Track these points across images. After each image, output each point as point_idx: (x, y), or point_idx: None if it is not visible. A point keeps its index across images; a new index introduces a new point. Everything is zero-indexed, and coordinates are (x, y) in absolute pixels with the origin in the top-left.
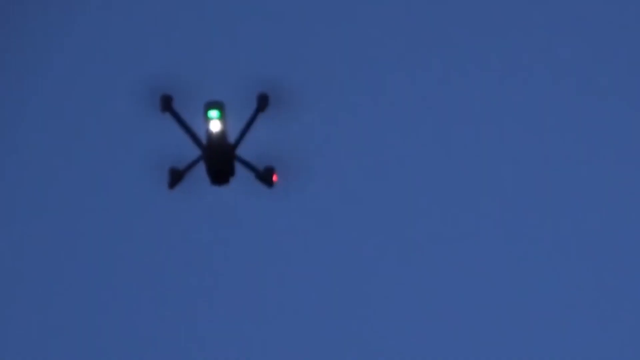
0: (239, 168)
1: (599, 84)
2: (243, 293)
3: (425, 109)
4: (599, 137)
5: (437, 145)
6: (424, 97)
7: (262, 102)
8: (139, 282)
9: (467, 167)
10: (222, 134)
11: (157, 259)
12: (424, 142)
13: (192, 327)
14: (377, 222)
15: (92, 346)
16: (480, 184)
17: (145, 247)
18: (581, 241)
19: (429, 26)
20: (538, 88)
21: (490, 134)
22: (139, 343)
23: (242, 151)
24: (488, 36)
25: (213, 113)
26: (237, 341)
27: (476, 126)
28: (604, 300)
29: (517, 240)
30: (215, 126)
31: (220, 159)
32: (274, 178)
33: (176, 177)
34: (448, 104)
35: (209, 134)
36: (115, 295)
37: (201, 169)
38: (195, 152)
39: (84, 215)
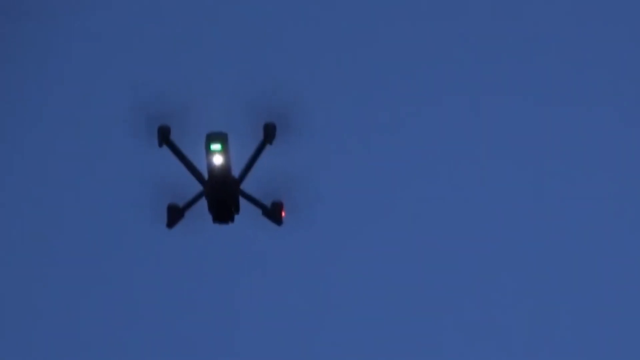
0: (243, 204)
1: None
2: (253, 340)
3: (438, 144)
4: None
5: (446, 175)
6: (436, 131)
7: (269, 132)
8: (134, 332)
9: (475, 200)
10: (226, 168)
11: (156, 306)
12: (433, 173)
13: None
14: (387, 255)
15: None
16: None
17: (141, 293)
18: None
19: (443, 61)
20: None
21: (498, 173)
22: None
23: (246, 185)
24: (498, 76)
25: (215, 146)
26: None
27: (487, 163)
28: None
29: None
30: (217, 160)
31: (223, 195)
32: (282, 214)
33: (175, 214)
34: (458, 139)
35: (210, 167)
36: (113, 342)
37: (202, 206)
38: (196, 187)
39: (72, 260)
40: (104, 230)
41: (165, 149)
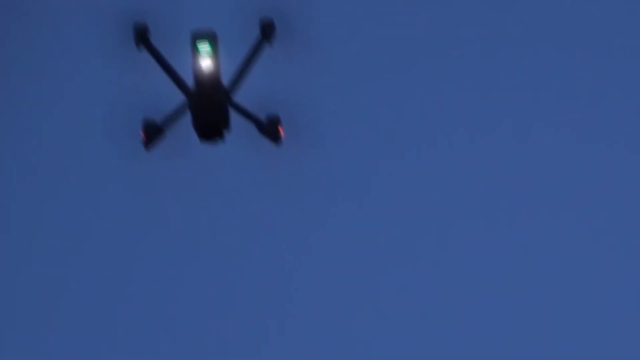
0: (235, 119)
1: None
2: (238, 276)
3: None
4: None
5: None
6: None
7: (267, 31)
8: (108, 265)
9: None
10: (215, 75)
11: (131, 234)
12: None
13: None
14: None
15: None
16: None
17: (116, 221)
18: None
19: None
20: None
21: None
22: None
23: (239, 97)
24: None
25: (204, 47)
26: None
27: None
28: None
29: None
30: (206, 64)
31: (212, 108)
32: (280, 131)
33: (153, 133)
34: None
35: (197, 74)
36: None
37: (187, 122)
38: (178, 98)
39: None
40: (67, 156)
41: (142, 53)
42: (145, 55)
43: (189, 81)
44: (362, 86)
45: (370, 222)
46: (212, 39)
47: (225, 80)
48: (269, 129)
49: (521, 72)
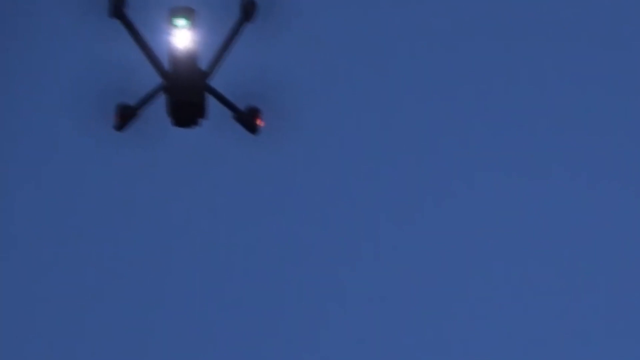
0: (212, 105)
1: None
2: (215, 264)
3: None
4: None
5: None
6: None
7: (248, 10)
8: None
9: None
10: (192, 53)
11: (99, 219)
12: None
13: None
14: (379, 162)
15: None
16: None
17: (85, 207)
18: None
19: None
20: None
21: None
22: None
23: (216, 81)
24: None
25: (180, 21)
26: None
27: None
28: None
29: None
30: (182, 40)
31: (187, 92)
32: (259, 122)
33: (125, 115)
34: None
35: (172, 53)
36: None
37: (160, 105)
38: (152, 79)
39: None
40: (33, 135)
41: (115, 28)
42: (120, 28)
43: (166, 63)
44: (351, 70)
45: (353, 215)
46: (190, 15)
47: (204, 64)
48: (247, 119)
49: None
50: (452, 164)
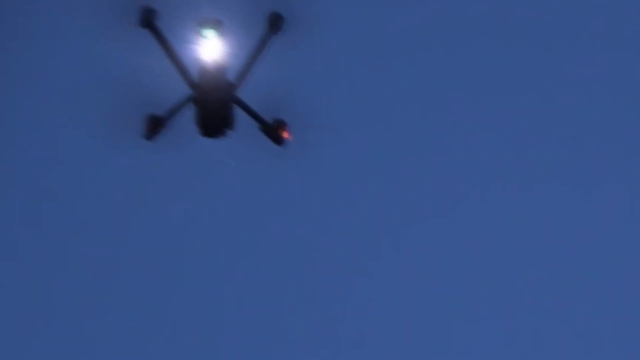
0: (239, 117)
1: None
2: (239, 278)
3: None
4: None
5: None
6: None
7: (275, 23)
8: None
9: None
10: (220, 67)
11: (129, 231)
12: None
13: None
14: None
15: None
16: None
17: (111, 216)
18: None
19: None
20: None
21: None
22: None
23: (244, 93)
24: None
25: (209, 32)
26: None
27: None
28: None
29: None
30: (210, 52)
31: (215, 103)
32: (285, 135)
33: (155, 125)
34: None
35: (201, 64)
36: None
37: (188, 116)
38: (180, 89)
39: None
40: (61, 145)
41: (141, 45)
42: (150, 38)
43: (194, 74)
44: (377, 81)
45: (377, 227)
46: (218, 27)
47: (231, 75)
48: (273, 131)
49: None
50: (469, 173)
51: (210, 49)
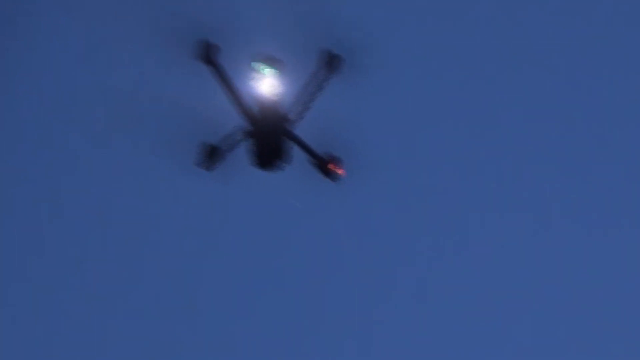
0: (294, 151)
1: None
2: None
3: None
4: None
5: None
6: None
7: (334, 64)
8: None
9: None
10: (277, 101)
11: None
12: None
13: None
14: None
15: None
16: None
17: (166, 247)
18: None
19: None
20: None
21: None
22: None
23: (300, 129)
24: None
25: (268, 70)
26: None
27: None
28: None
29: None
30: (269, 88)
31: (272, 137)
32: (339, 170)
33: (214, 155)
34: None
35: (258, 99)
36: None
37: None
38: (233, 121)
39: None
40: (123, 174)
41: (195, 79)
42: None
43: (250, 107)
44: (432, 119)
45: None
46: (277, 64)
47: (287, 109)
48: (327, 167)
49: None
50: (520, 215)
51: (268, 85)
